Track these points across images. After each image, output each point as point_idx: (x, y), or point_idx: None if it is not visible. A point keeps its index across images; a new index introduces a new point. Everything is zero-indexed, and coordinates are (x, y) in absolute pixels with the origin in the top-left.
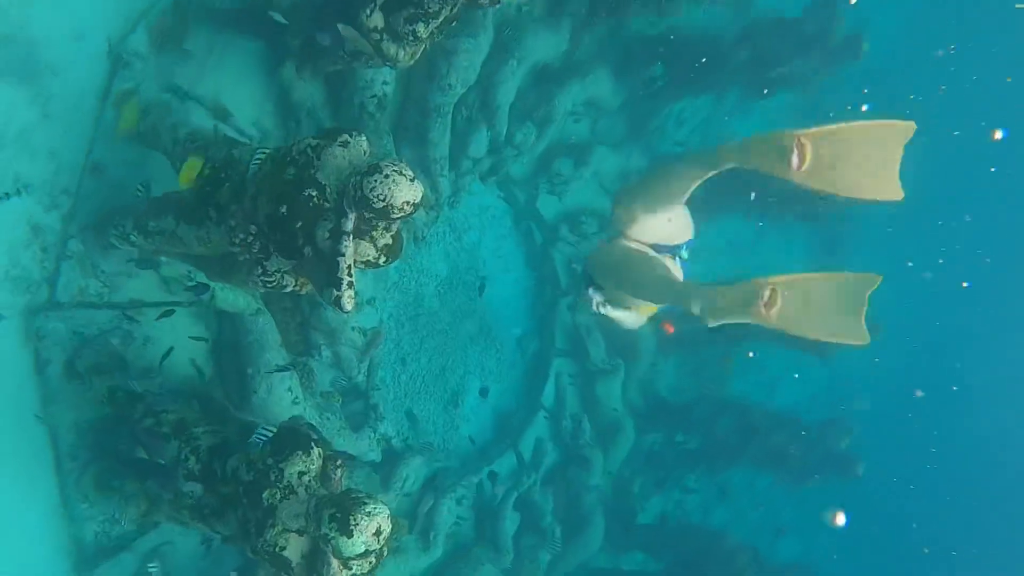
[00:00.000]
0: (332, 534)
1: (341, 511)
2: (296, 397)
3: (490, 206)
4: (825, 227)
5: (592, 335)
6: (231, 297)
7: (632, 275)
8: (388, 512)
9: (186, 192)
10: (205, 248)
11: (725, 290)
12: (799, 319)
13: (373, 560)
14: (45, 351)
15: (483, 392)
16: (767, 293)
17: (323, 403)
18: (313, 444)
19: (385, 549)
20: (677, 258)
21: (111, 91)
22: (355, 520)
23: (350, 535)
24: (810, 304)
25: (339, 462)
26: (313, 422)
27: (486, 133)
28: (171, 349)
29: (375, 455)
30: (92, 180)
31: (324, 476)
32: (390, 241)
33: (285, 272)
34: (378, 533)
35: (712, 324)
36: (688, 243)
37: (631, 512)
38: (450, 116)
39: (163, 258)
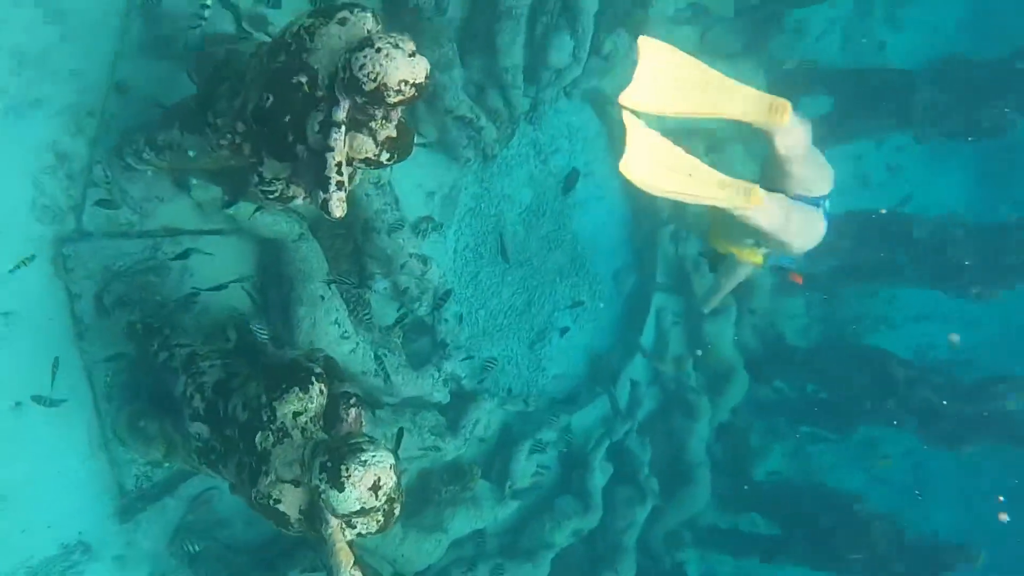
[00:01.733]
0: (322, 486)
1: (333, 459)
2: (345, 331)
3: (581, 126)
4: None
5: (699, 268)
6: (270, 221)
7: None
8: (391, 462)
9: (190, 97)
10: (212, 161)
11: None
12: None
13: (381, 519)
14: (75, 284)
15: (563, 332)
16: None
17: (380, 339)
18: (313, 380)
19: (395, 506)
20: (820, 209)
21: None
22: (347, 471)
23: (340, 488)
24: None
25: (352, 401)
26: (367, 358)
27: (569, 41)
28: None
29: (442, 396)
30: (117, 100)
31: (333, 418)
32: (394, 133)
33: (288, 180)
34: (376, 488)
35: None
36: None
37: (745, 468)
38: (524, 19)
39: (193, 180)
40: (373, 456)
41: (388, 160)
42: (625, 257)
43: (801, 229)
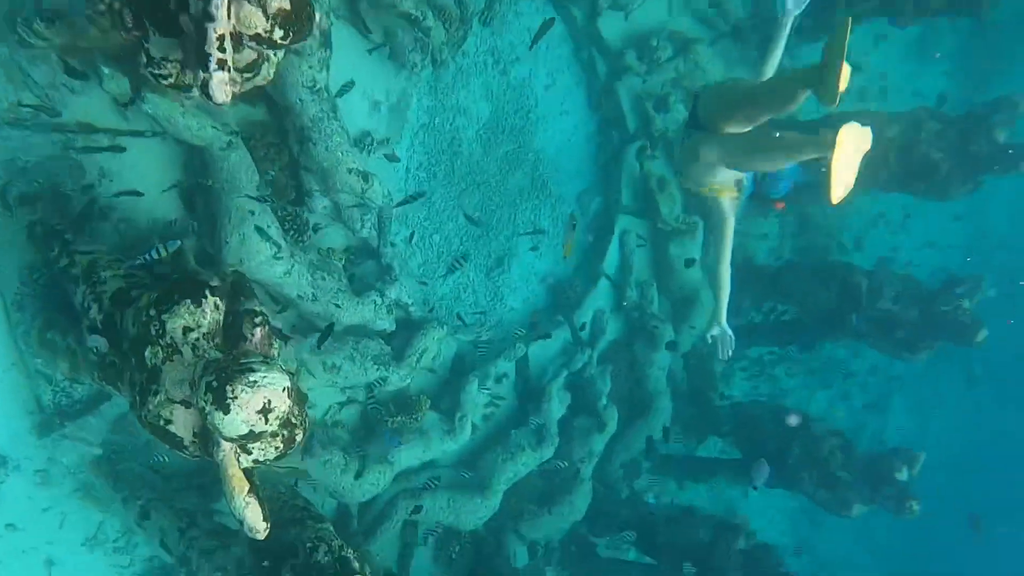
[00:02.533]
0: (207, 408)
1: (220, 380)
2: (278, 251)
3: None
4: None
5: (665, 189)
6: (194, 125)
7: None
8: (285, 384)
9: None
10: (103, 38)
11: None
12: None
13: (280, 445)
14: None
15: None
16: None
17: (319, 261)
18: (207, 293)
19: (296, 432)
20: None
21: None
22: (233, 392)
23: (226, 410)
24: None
25: (259, 320)
26: (304, 281)
27: None
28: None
29: (386, 324)
30: None
31: (236, 337)
32: (287, 6)
33: (182, 63)
34: (266, 411)
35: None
36: None
37: (707, 394)
38: None
39: (105, 68)
40: (264, 377)
41: (283, 39)
42: (590, 177)
43: None
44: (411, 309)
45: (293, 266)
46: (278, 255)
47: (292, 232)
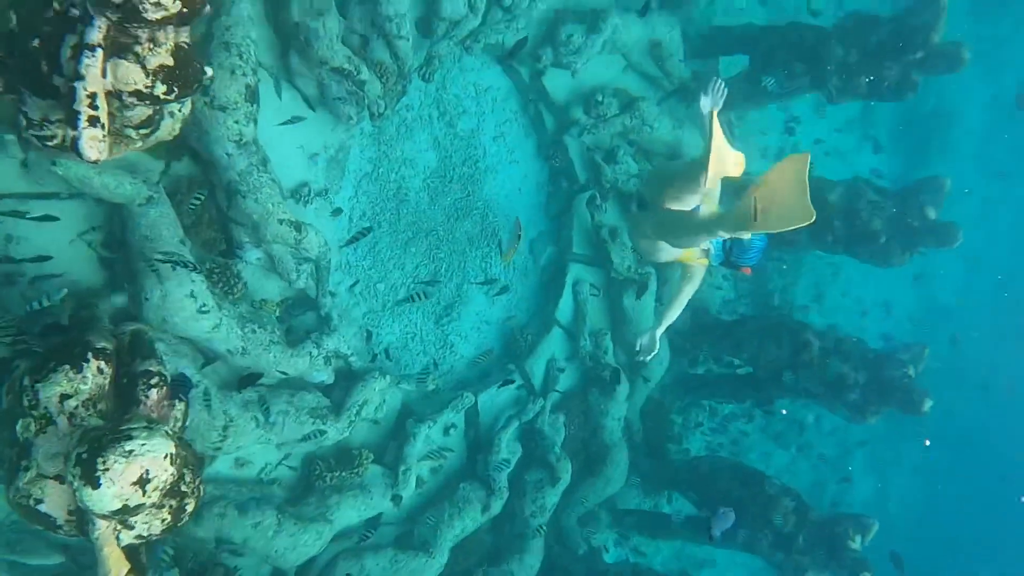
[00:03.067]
0: (75, 483)
1: (91, 450)
2: (203, 305)
3: (490, 86)
4: None
5: (617, 239)
6: (110, 183)
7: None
8: (167, 451)
9: None
10: None
11: (739, 211)
12: (771, 218)
13: (167, 517)
14: None
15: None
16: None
17: (250, 313)
18: (90, 356)
19: (186, 501)
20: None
21: None
22: (104, 463)
23: (95, 484)
24: (775, 199)
25: (155, 381)
26: (233, 335)
27: None
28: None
29: (324, 375)
30: None
31: (128, 400)
32: (169, 61)
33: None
34: (143, 482)
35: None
36: None
37: (664, 447)
38: None
39: (6, 136)
40: (143, 444)
41: (166, 94)
42: (541, 225)
43: None
44: (351, 360)
45: (221, 320)
46: (203, 308)
47: (221, 285)
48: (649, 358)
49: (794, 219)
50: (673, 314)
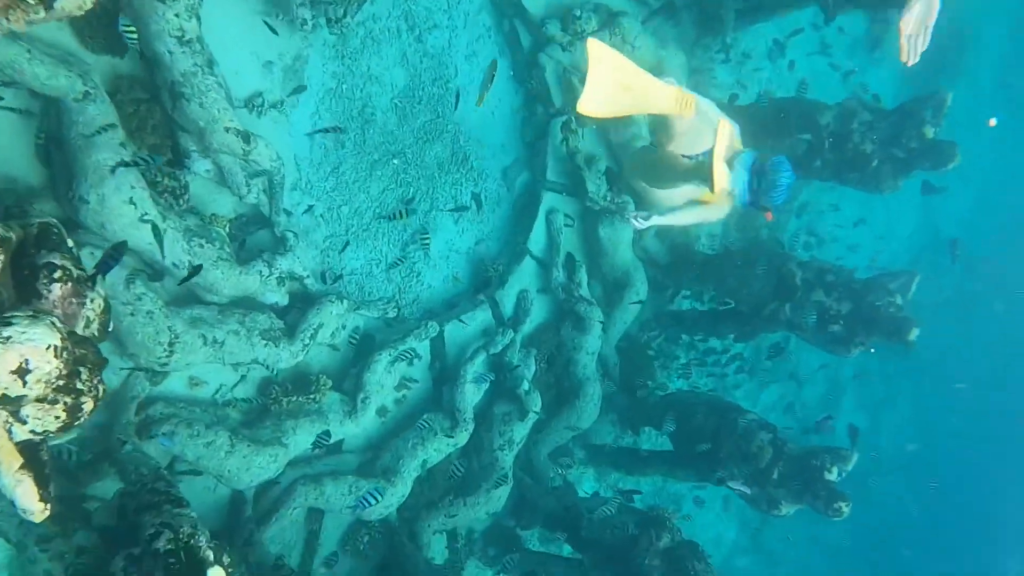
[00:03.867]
0: None
1: None
2: (144, 213)
3: None
4: None
5: (593, 166)
6: (43, 73)
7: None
8: (51, 342)
9: None
10: None
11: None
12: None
13: (62, 415)
14: None
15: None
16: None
17: (198, 227)
18: None
19: (82, 400)
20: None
21: None
22: None
23: None
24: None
25: (58, 275)
26: (178, 248)
27: None
28: None
29: (278, 297)
30: None
31: (28, 293)
32: None
33: None
34: (22, 372)
35: None
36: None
37: (640, 383)
38: None
39: None
40: (22, 332)
41: None
42: (515, 152)
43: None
44: (307, 282)
45: (165, 232)
46: (144, 217)
47: (166, 195)
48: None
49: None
50: (673, 220)
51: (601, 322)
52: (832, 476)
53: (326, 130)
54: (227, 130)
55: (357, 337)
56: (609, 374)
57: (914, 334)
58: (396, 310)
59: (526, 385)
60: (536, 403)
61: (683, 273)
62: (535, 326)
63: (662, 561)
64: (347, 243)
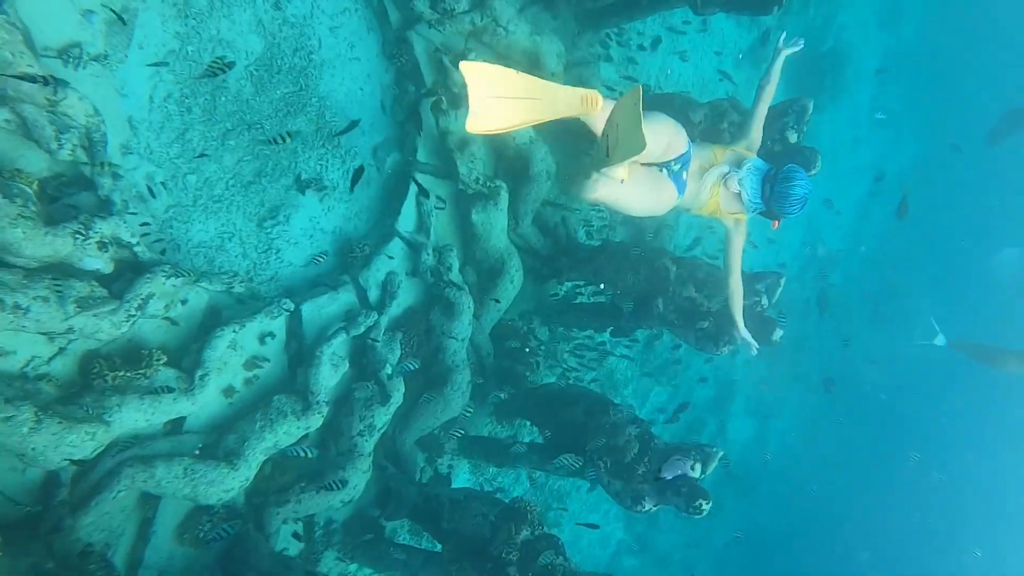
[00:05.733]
0: None
1: None
2: None
3: None
4: None
5: (466, 149)
6: None
7: None
8: None
9: None
10: None
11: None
12: (617, 153)
13: None
14: None
15: (358, 172)
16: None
17: None
18: None
19: None
20: (664, 170)
21: None
22: None
23: None
24: (619, 135)
25: None
26: None
27: None
28: None
29: (99, 263)
30: None
31: None
32: None
33: None
34: None
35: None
36: (683, 156)
37: (517, 373)
38: None
39: None
40: None
41: None
42: (386, 131)
43: (644, 188)
44: (136, 250)
45: None
46: None
47: None
48: (754, 351)
49: (632, 150)
50: (736, 295)
51: (472, 309)
52: (695, 474)
53: (217, 68)
54: (23, 77)
55: (199, 312)
56: (483, 364)
57: (778, 335)
58: (243, 285)
59: (389, 369)
60: (399, 388)
61: (562, 263)
62: (403, 310)
63: (520, 554)
64: (203, 154)
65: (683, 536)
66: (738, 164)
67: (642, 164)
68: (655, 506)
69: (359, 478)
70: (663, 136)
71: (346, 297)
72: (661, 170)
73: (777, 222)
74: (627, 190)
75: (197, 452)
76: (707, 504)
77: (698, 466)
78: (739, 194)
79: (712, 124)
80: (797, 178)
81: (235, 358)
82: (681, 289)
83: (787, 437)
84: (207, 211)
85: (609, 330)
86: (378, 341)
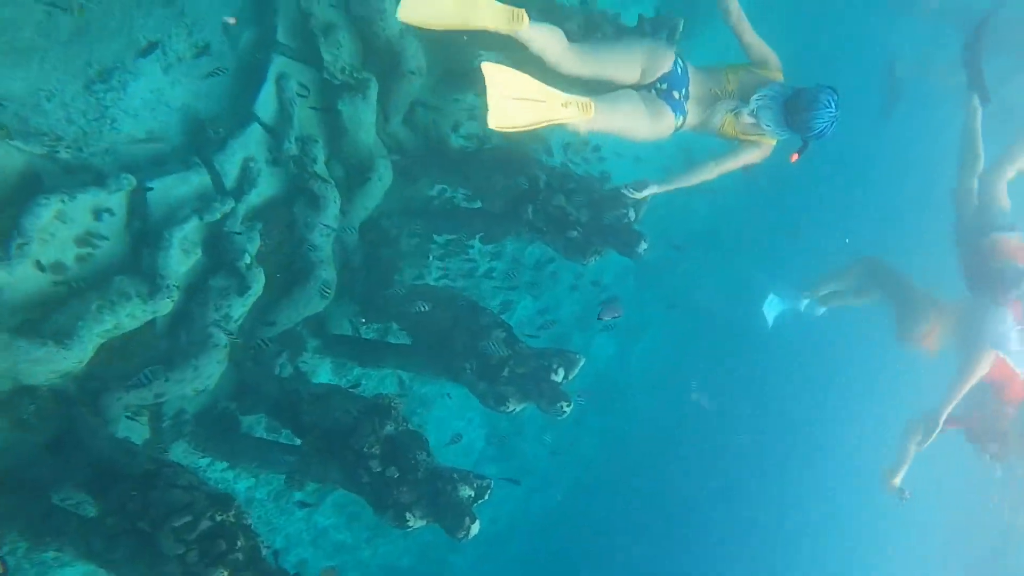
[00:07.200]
0: None
1: None
2: None
3: None
4: None
5: (331, 35)
6: None
7: None
8: None
9: None
10: None
11: None
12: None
13: None
14: None
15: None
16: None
17: None
18: None
19: None
20: (653, 92)
21: None
22: None
23: None
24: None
25: None
26: None
27: None
28: None
29: None
30: None
31: None
32: None
33: None
34: None
35: None
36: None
37: (387, 274)
38: None
39: None
40: None
41: None
42: (240, 2)
43: (640, 118)
44: None
45: None
46: None
47: None
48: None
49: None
50: (691, 177)
51: (339, 203)
52: (558, 378)
53: None
54: None
55: (13, 175)
56: (350, 262)
57: (643, 247)
58: (70, 152)
59: (248, 259)
60: (258, 279)
61: (433, 165)
62: (264, 200)
63: (383, 448)
64: None
65: (547, 447)
66: (749, 96)
67: (632, 88)
68: (519, 407)
69: (213, 368)
70: (633, 61)
71: (198, 179)
72: (650, 91)
73: (796, 155)
74: (621, 117)
75: None
76: (568, 406)
77: (561, 371)
78: (755, 124)
79: (585, 36)
80: (818, 105)
81: (64, 231)
82: (551, 197)
83: (646, 356)
84: (7, 57)
85: (479, 236)
86: (236, 230)
